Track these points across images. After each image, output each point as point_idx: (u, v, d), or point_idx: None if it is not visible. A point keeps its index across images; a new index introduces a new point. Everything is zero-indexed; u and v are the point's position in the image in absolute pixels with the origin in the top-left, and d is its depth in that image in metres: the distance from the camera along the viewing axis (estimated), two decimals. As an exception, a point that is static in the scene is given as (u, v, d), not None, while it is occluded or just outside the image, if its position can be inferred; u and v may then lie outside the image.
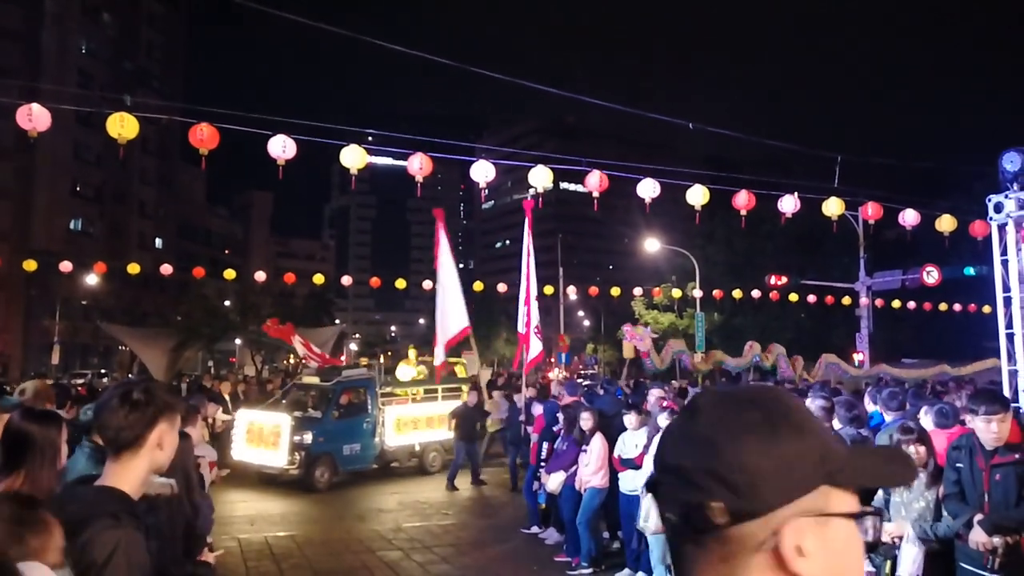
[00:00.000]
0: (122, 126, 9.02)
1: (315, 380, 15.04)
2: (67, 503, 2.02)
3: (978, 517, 4.27)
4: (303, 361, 16.19)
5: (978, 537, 4.21)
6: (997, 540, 4.15)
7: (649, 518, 7.10)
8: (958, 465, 4.48)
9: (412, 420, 14.81)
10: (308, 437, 13.05)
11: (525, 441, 12.50)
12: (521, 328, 12.93)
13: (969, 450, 4.41)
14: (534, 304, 12.91)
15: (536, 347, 12.83)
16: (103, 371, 41.65)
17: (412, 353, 17.34)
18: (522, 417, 12.77)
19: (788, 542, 0.81)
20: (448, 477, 13.41)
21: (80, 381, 27.64)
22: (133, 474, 2.08)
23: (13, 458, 2.55)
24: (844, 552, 0.85)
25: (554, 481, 8.56)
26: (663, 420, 6.97)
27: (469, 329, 13.83)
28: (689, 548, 0.86)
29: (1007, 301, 8.41)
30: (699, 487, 0.83)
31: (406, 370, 16.57)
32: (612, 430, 8.18)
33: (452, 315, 13.48)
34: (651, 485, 0.90)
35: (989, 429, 4.27)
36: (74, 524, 1.83)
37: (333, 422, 13.70)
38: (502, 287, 27.46)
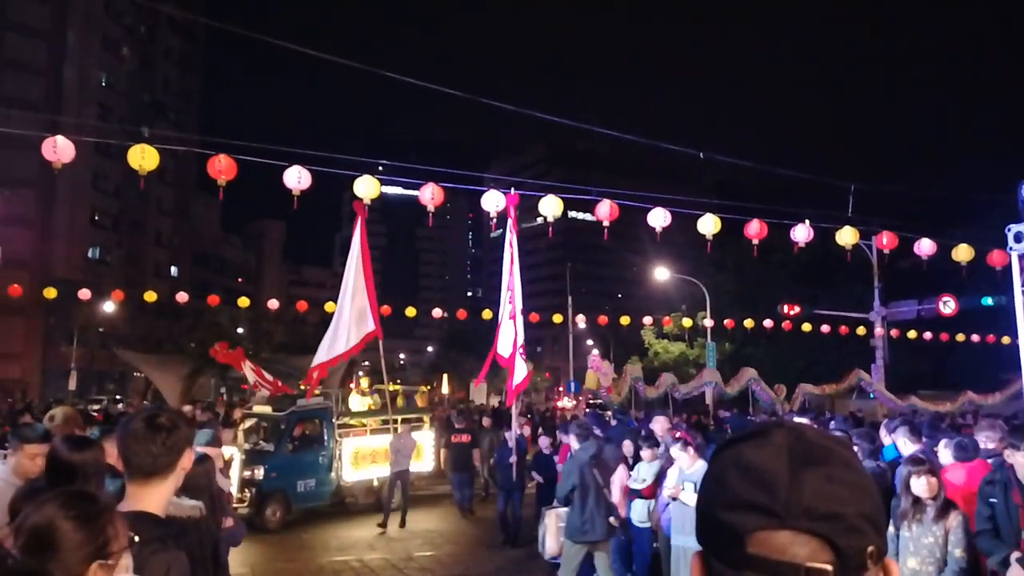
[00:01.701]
0: (143, 157, 9.15)
1: (267, 409, 13.97)
2: None
3: (1016, 555, 4.15)
4: (253, 388, 15.14)
5: (1017, 575, 4.11)
6: None
7: (545, 543, 7.71)
8: (991, 500, 4.35)
9: (370, 453, 13.61)
10: (260, 472, 12.10)
11: (519, 487, 11.32)
12: (504, 350, 11.15)
13: (1004, 485, 4.31)
14: (519, 320, 11.31)
15: (521, 371, 11.27)
16: (118, 397, 41.83)
17: (364, 381, 16.57)
18: (513, 458, 11.13)
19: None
20: (461, 506, 13.29)
21: (96, 407, 27.73)
22: (160, 498, 2.16)
23: (58, 484, 2.64)
24: None
25: None
26: (676, 452, 6.89)
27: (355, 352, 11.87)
28: None
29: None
30: (858, 531, 0.82)
31: (357, 400, 15.60)
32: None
33: (346, 328, 11.42)
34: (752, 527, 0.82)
35: None
36: None
37: (286, 456, 12.67)
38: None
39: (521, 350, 11.11)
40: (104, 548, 1.69)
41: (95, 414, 18.97)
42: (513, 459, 11.19)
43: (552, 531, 7.39)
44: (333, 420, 13.54)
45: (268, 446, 12.93)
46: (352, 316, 11.51)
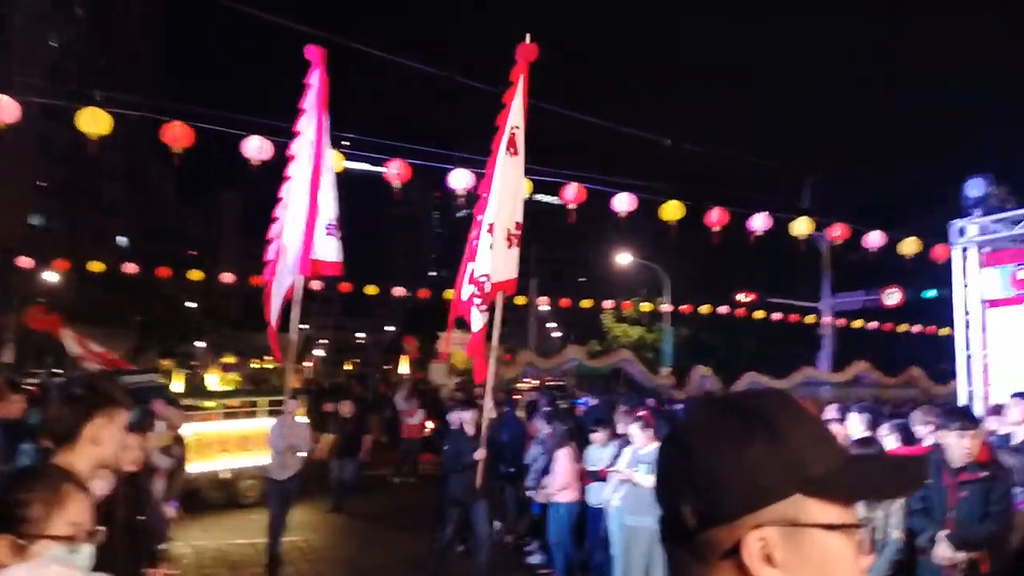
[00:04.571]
0: (94, 122, 8.86)
1: None
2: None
3: (944, 532, 4.35)
4: (78, 361, 13.29)
5: (944, 552, 4.30)
6: (961, 555, 4.24)
7: None
8: (926, 481, 4.56)
9: (218, 440, 11.53)
10: None
11: (484, 495, 7.85)
12: (465, 293, 7.51)
13: (937, 466, 4.48)
14: (500, 245, 7.20)
15: (477, 321, 7.39)
16: (56, 370, 40.83)
17: (231, 359, 14.88)
18: (480, 453, 7.53)
19: (750, 550, 0.81)
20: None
21: (34, 380, 26.99)
22: (77, 466, 2.12)
23: None
24: (826, 564, 0.82)
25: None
26: (633, 429, 6.98)
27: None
28: (672, 552, 0.88)
29: (967, 324, 8.62)
30: (675, 490, 0.85)
31: (215, 378, 14.21)
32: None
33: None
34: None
35: (961, 444, 4.38)
36: None
37: None
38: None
39: (478, 293, 7.34)
40: (15, 524, 1.64)
41: (32, 388, 18.41)
42: (480, 454, 7.59)
43: None
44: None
45: None
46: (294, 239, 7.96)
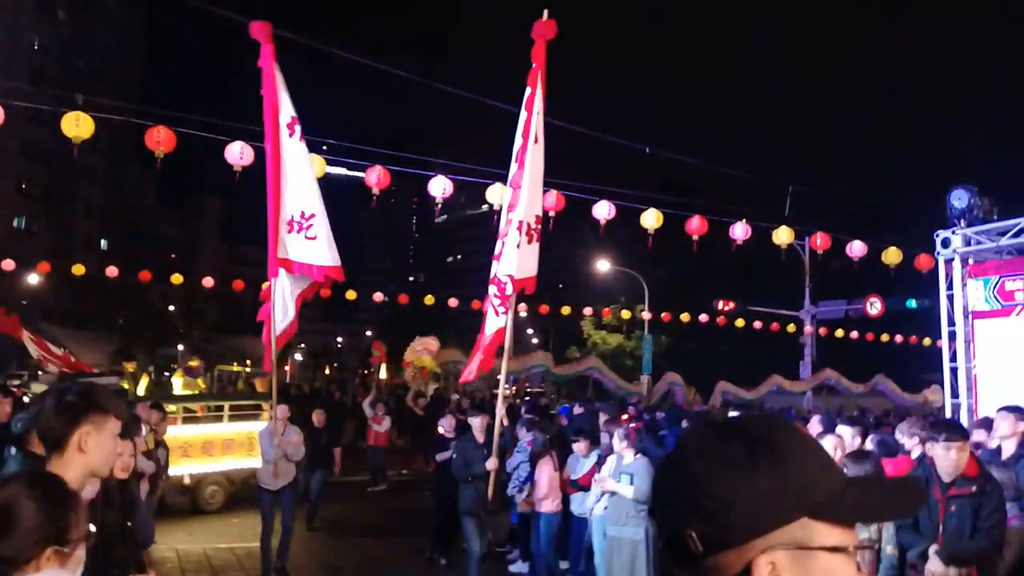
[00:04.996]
0: (78, 126, 8.79)
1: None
2: None
3: (934, 548, 4.30)
4: (40, 364, 12.86)
5: (935, 568, 4.25)
6: (953, 572, 4.20)
7: None
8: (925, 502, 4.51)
9: (181, 445, 11.23)
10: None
11: (500, 509, 7.97)
12: (494, 292, 6.74)
13: (925, 480, 4.44)
14: (521, 239, 6.61)
15: (493, 323, 6.74)
16: (41, 372, 40.24)
17: (195, 363, 14.78)
18: (491, 463, 6.92)
19: (761, 573, 0.82)
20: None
21: (16, 382, 26.61)
22: (67, 473, 2.09)
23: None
24: None
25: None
26: (618, 438, 6.94)
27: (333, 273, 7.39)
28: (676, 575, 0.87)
29: (951, 335, 8.62)
30: (679, 515, 0.84)
31: (181, 382, 13.98)
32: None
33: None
34: (651, 512, 0.93)
35: (948, 456, 4.33)
36: None
37: None
38: (453, 302, 27.43)
39: (498, 293, 6.67)
40: (62, 534, 1.67)
41: (15, 389, 18.21)
42: (492, 463, 6.95)
43: None
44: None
45: None
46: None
